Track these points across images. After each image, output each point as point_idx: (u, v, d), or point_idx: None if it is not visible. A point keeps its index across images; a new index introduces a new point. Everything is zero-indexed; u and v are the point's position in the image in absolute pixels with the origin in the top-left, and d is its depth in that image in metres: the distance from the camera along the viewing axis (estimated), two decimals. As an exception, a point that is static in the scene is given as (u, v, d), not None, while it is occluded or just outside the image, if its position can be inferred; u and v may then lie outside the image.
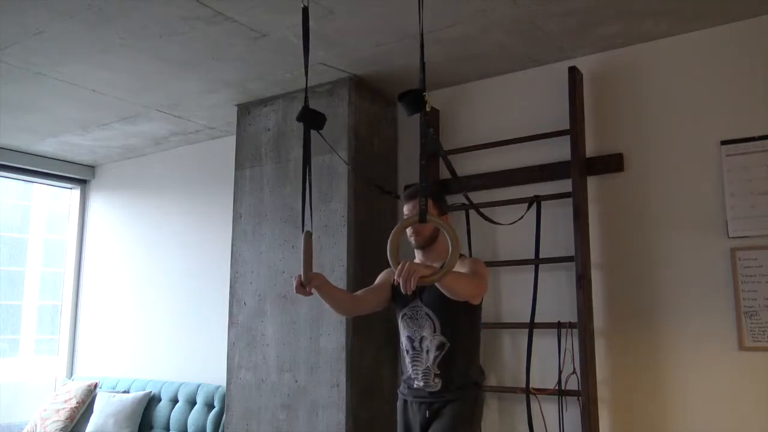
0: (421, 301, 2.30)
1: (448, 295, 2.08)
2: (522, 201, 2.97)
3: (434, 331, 2.27)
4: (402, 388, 2.39)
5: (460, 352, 2.26)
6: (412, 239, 2.32)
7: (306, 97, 2.12)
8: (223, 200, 4.00)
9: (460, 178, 2.81)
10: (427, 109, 1.86)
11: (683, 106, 2.76)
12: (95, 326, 4.91)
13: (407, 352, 2.34)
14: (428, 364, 2.27)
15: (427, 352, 2.27)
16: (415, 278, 1.79)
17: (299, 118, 2.10)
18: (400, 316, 2.38)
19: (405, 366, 2.36)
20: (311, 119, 2.10)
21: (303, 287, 2.09)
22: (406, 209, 2.32)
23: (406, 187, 2.36)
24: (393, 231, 1.88)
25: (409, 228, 2.24)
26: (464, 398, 2.24)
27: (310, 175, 2.11)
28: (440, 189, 2.35)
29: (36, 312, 5.27)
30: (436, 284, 1.97)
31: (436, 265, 2.21)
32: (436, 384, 2.25)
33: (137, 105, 3.70)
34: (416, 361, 2.30)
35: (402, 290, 1.81)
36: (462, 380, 2.26)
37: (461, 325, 2.28)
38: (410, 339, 2.32)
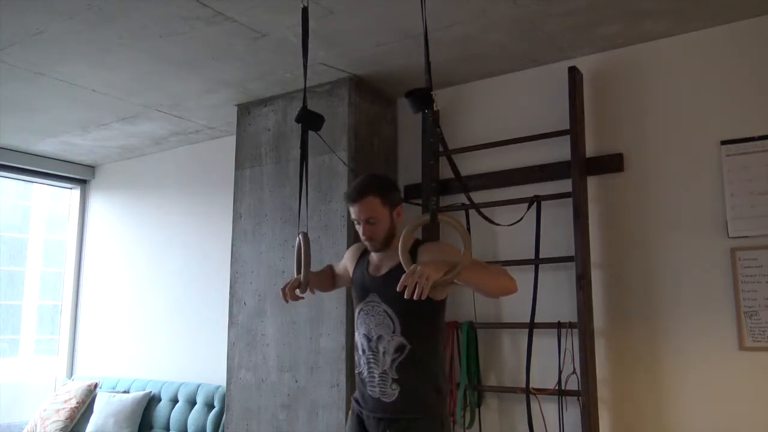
0: (380, 297, 2.03)
1: (484, 294, 1.96)
2: (522, 201, 2.96)
3: (393, 332, 1.99)
4: (356, 395, 2.12)
5: (421, 356, 1.99)
6: (367, 244, 2.06)
7: (305, 98, 2.12)
8: (223, 200, 3.99)
9: (462, 179, 2.82)
10: (435, 108, 1.87)
11: (683, 106, 2.76)
12: (95, 326, 4.91)
13: (363, 351, 2.06)
14: (385, 368, 1.99)
15: (384, 353, 2.00)
16: (427, 287, 1.62)
17: (298, 119, 2.10)
18: (357, 311, 2.12)
19: (360, 367, 2.08)
20: (309, 120, 2.10)
21: (294, 291, 2.05)
22: (353, 212, 2.02)
23: (354, 189, 2.05)
24: (404, 233, 1.81)
25: (362, 233, 2.02)
26: (430, 416, 1.98)
27: (307, 175, 2.11)
28: (386, 180, 2.09)
29: (36, 312, 5.26)
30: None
31: (395, 257, 1.92)
32: (394, 392, 1.97)
33: (137, 105, 3.70)
34: (372, 363, 2.03)
35: (406, 296, 1.63)
36: (424, 390, 1.98)
37: (424, 325, 2.02)
38: (367, 338, 2.05)
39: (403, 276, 1.64)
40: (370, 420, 2.03)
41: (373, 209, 1.98)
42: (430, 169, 1.84)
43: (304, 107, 2.09)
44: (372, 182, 2.04)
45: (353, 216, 2.04)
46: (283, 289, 2.07)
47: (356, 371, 2.11)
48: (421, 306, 1.87)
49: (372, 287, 2.06)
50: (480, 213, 2.40)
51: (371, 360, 2.03)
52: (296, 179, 3.33)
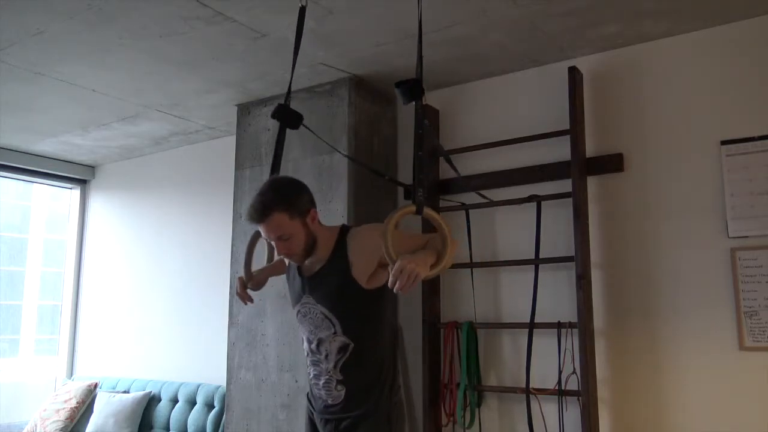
0: (313, 298, 1.91)
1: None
2: (522, 201, 2.97)
3: (334, 333, 1.87)
4: (308, 395, 2.06)
5: (367, 353, 1.89)
6: (287, 259, 1.94)
7: (288, 96, 2.11)
8: (223, 200, 3.99)
9: (457, 179, 2.81)
10: (424, 101, 1.78)
11: (683, 106, 2.76)
12: (95, 326, 4.91)
13: (306, 354, 1.98)
14: (329, 370, 1.89)
15: (327, 356, 1.89)
16: (415, 283, 1.57)
17: (274, 115, 2.04)
18: (295, 312, 2.01)
19: (307, 368, 2.00)
20: (287, 118, 2.04)
21: (244, 291, 2.06)
22: (261, 232, 1.87)
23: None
24: (386, 222, 1.61)
25: (278, 252, 1.86)
26: (379, 412, 1.88)
27: (278, 173, 2.07)
28: (289, 188, 1.90)
29: (36, 312, 5.26)
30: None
31: (325, 252, 1.88)
32: (339, 393, 1.89)
33: (137, 105, 3.70)
34: (316, 365, 1.93)
35: (395, 290, 1.57)
36: (371, 387, 1.89)
37: (367, 320, 1.89)
38: (308, 341, 1.95)
39: (391, 275, 1.56)
40: (319, 421, 1.98)
41: (281, 226, 1.80)
42: (420, 161, 1.76)
43: (283, 105, 2.04)
44: (273, 196, 1.82)
45: (263, 236, 1.86)
46: (238, 294, 2.08)
47: (307, 375, 2.03)
48: (357, 301, 1.85)
49: (305, 288, 1.94)
50: (478, 193, 2.33)
51: (315, 363, 1.94)
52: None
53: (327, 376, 1.90)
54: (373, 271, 1.86)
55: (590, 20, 2.66)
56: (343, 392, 1.88)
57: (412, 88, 1.77)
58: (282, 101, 2.11)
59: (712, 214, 2.64)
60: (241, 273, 2.14)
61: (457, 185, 3.13)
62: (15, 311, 5.18)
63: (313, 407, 2.00)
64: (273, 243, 1.85)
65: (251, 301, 2.11)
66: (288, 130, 2.15)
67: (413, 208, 1.65)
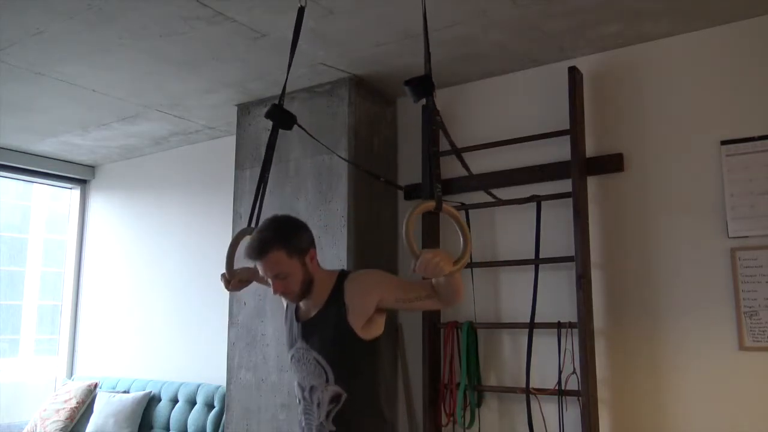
0: (308, 344, 1.86)
1: (446, 301, 1.76)
2: (522, 201, 2.97)
3: (327, 381, 1.82)
4: None
5: (360, 404, 1.83)
6: (283, 298, 1.91)
7: (281, 97, 2.10)
8: (223, 200, 3.99)
9: (458, 179, 2.82)
10: (434, 94, 1.75)
11: (683, 106, 2.76)
12: (95, 326, 4.91)
13: (298, 401, 1.93)
14: (321, 420, 1.83)
15: (319, 405, 1.84)
16: (442, 273, 1.58)
17: (267, 115, 2.04)
18: (289, 356, 1.97)
19: (299, 414, 1.95)
20: (281, 118, 2.04)
21: (228, 284, 2.09)
22: (259, 269, 1.84)
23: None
24: (407, 217, 1.59)
25: (274, 291, 1.84)
26: None
27: (268, 173, 2.08)
28: (290, 226, 1.89)
29: (36, 312, 5.26)
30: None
31: (322, 297, 1.87)
32: None
33: (137, 105, 3.70)
34: (307, 414, 1.88)
35: (423, 277, 1.58)
36: None
37: (362, 370, 1.85)
38: (300, 387, 1.91)
39: (417, 265, 1.56)
40: None
41: (279, 264, 1.79)
42: (431, 160, 1.76)
43: (276, 105, 2.03)
44: (273, 235, 1.81)
45: (261, 273, 1.84)
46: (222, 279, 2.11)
47: (298, 419, 1.97)
48: (352, 350, 1.82)
49: (301, 333, 1.90)
50: (488, 192, 2.32)
51: (307, 411, 1.89)
52: (296, 179, 3.34)
53: (319, 427, 1.85)
54: (370, 316, 1.83)
55: (590, 20, 2.66)
56: None
57: (423, 84, 1.75)
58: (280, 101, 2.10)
59: (712, 214, 2.64)
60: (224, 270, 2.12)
61: (458, 185, 3.13)
62: (15, 311, 5.18)
63: None
64: (270, 281, 1.83)
65: (237, 286, 2.12)
66: (289, 131, 2.15)
67: (432, 204, 1.63)
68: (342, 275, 1.90)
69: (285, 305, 2.04)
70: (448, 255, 1.61)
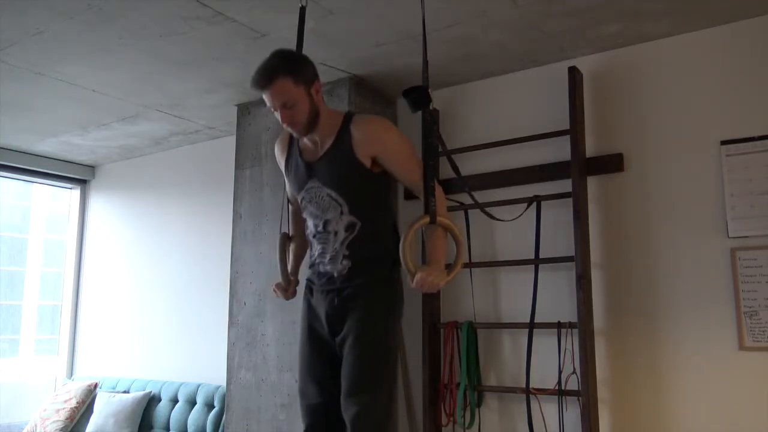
0: (320, 181, 1.91)
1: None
2: (522, 201, 2.97)
3: (341, 213, 1.89)
4: (309, 274, 2.03)
5: (373, 230, 1.91)
6: (290, 130, 1.90)
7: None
8: (223, 200, 3.99)
9: (463, 177, 2.81)
10: (432, 106, 1.83)
11: (683, 106, 2.76)
12: (95, 326, 4.91)
13: (313, 235, 1.97)
14: (336, 246, 1.90)
15: (336, 233, 1.90)
16: (435, 288, 1.73)
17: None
18: (299, 200, 2.00)
19: (311, 250, 2.00)
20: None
21: (284, 293, 2.08)
22: (266, 100, 1.84)
23: None
24: (404, 236, 1.73)
25: (281, 120, 1.85)
26: (380, 281, 1.88)
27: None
28: (296, 56, 1.91)
29: (36, 312, 5.27)
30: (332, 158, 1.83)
31: (330, 137, 1.89)
32: (344, 266, 1.89)
33: (137, 105, 3.70)
34: (323, 243, 1.93)
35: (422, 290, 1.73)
36: (375, 260, 1.90)
37: (373, 200, 1.93)
38: (315, 225, 1.96)
39: (414, 283, 1.70)
40: (320, 296, 1.95)
41: (286, 92, 1.79)
42: (431, 170, 1.81)
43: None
44: (279, 62, 1.82)
45: (267, 104, 1.85)
46: (281, 297, 2.12)
47: (310, 255, 2.02)
48: (363, 181, 1.89)
49: (311, 173, 1.93)
50: (483, 210, 2.37)
51: (323, 240, 1.93)
52: (296, 179, 3.34)
53: (333, 253, 1.91)
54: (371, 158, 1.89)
55: (590, 20, 2.66)
56: (348, 265, 1.89)
57: (420, 96, 1.79)
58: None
59: (712, 214, 2.64)
60: (279, 280, 2.14)
61: (458, 185, 3.13)
62: (15, 311, 5.18)
63: (313, 284, 1.99)
64: (277, 112, 1.84)
65: (294, 295, 2.12)
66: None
67: (427, 219, 1.74)
68: (349, 114, 1.95)
69: (285, 158, 2.05)
70: (440, 270, 1.75)
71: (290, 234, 2.14)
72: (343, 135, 1.88)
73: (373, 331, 1.85)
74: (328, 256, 1.92)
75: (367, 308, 1.85)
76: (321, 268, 1.95)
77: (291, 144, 2.03)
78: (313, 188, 1.93)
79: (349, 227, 1.89)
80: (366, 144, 1.87)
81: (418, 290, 1.74)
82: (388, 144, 1.89)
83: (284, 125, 1.87)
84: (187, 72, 3.20)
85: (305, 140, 1.96)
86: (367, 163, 1.88)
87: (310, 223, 1.99)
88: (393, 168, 1.90)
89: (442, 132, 3.32)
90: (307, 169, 1.95)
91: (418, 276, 1.70)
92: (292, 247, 2.16)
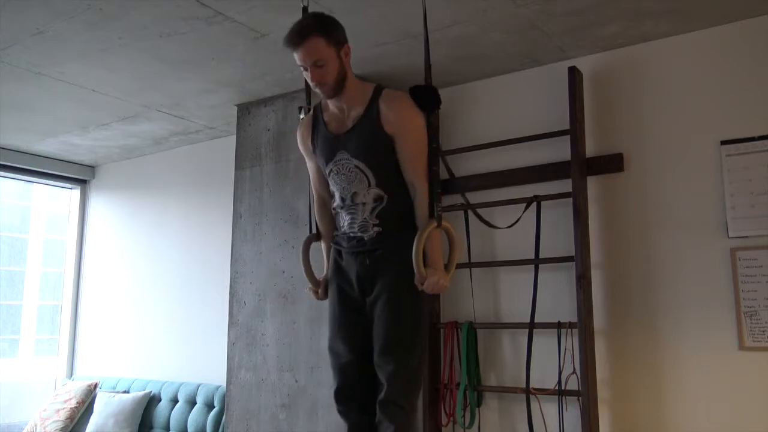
0: (348, 153, 1.93)
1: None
2: (522, 201, 2.97)
3: (369, 185, 1.92)
4: (336, 239, 2.05)
5: (400, 203, 1.94)
6: (317, 90, 1.91)
7: (307, 95, 2.11)
8: (223, 200, 4.00)
9: (458, 180, 2.82)
10: (440, 107, 1.89)
11: (683, 106, 2.76)
12: (95, 326, 4.91)
13: (341, 207, 1.99)
14: (365, 216, 1.93)
15: (364, 204, 1.93)
16: (442, 290, 1.85)
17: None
18: (327, 173, 2.02)
19: (339, 221, 2.02)
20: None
21: (317, 293, 2.11)
22: (297, 58, 1.86)
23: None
24: (416, 241, 1.80)
25: (311, 79, 1.87)
26: (410, 244, 1.85)
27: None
28: (329, 18, 1.91)
29: (36, 312, 5.27)
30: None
31: (358, 109, 1.91)
32: (374, 230, 1.92)
33: (137, 105, 3.70)
34: (352, 213, 1.96)
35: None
36: (404, 228, 1.92)
37: (398, 173, 1.94)
38: (342, 198, 1.98)
39: (425, 286, 1.82)
40: (350, 258, 1.98)
41: (318, 51, 1.82)
42: (436, 176, 1.85)
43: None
44: (313, 22, 1.86)
45: (298, 62, 1.86)
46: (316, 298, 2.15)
47: (336, 225, 2.04)
48: (391, 155, 1.91)
49: (339, 145, 1.95)
50: (477, 215, 2.38)
51: (351, 211, 1.96)
52: (296, 179, 3.34)
53: (362, 222, 1.94)
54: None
55: (590, 20, 2.66)
56: (378, 230, 1.92)
57: (429, 97, 1.86)
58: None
59: (712, 214, 2.64)
60: (309, 284, 2.15)
61: (457, 185, 3.13)
62: (15, 311, 5.18)
63: (342, 246, 2.01)
64: (307, 72, 1.86)
65: (325, 295, 2.12)
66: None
67: (435, 223, 1.83)
68: (379, 87, 1.95)
69: (310, 138, 2.05)
70: (443, 272, 1.88)
71: (319, 233, 2.15)
72: (372, 107, 1.90)
73: (405, 293, 1.89)
74: (357, 225, 1.95)
75: (398, 271, 1.88)
76: (350, 233, 1.97)
77: (316, 122, 2.05)
78: (341, 160, 1.95)
79: (378, 199, 1.92)
80: (392, 121, 1.88)
81: (428, 292, 1.84)
82: (410, 131, 1.90)
83: (313, 84, 1.88)
84: (187, 72, 3.20)
85: (332, 109, 1.97)
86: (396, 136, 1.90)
87: (336, 195, 2.01)
88: (402, 156, 1.91)
89: (443, 132, 3.33)
90: (335, 141, 1.96)
91: (430, 280, 1.81)
92: (322, 246, 2.17)
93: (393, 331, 1.87)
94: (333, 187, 2.02)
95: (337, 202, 2.01)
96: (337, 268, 2.03)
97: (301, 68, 1.87)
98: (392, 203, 1.92)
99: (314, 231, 2.14)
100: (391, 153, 1.91)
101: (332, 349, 2.02)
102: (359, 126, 1.91)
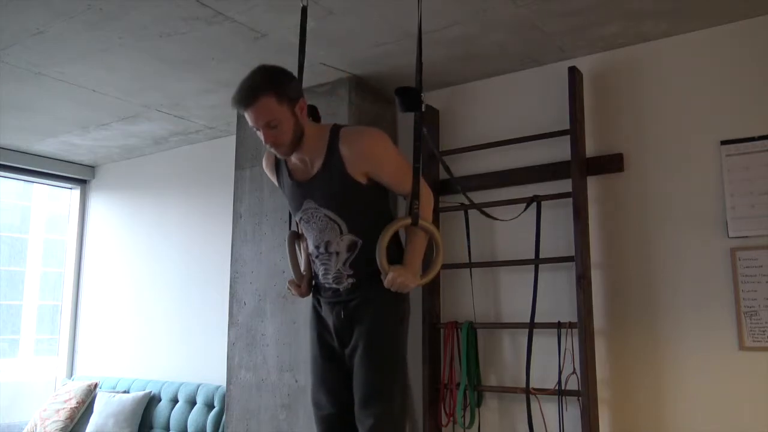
0: (315, 202, 1.86)
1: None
2: (522, 201, 2.97)
3: (341, 233, 1.85)
4: (316, 285, 2.01)
5: (374, 246, 1.83)
6: (273, 151, 1.84)
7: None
8: (223, 200, 4.00)
9: (457, 179, 2.82)
10: (422, 109, 1.82)
11: (683, 106, 2.76)
12: (95, 326, 4.91)
13: (315, 257, 1.94)
14: (338, 267, 1.87)
15: (337, 254, 1.87)
16: (406, 290, 1.80)
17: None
18: (297, 219, 1.97)
19: (314, 268, 1.97)
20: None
21: (298, 289, 2.05)
22: (248, 119, 1.77)
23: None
24: (383, 234, 1.76)
25: (264, 141, 1.77)
26: (385, 290, 1.81)
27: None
28: (279, 72, 1.78)
29: (36, 312, 5.27)
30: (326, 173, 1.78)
31: (319, 157, 1.82)
32: (348, 281, 1.87)
33: (137, 105, 3.70)
34: (325, 263, 1.90)
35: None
36: (379, 273, 1.83)
37: (371, 213, 1.87)
38: (316, 246, 1.92)
39: (386, 282, 1.77)
40: (327, 308, 1.94)
41: (270, 111, 1.71)
42: (417, 172, 1.82)
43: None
44: (262, 80, 1.73)
45: (250, 123, 1.76)
46: (295, 294, 2.09)
47: (313, 271, 1.99)
48: (359, 198, 1.84)
49: (306, 193, 1.88)
50: (481, 211, 2.37)
51: (324, 261, 1.90)
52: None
53: (336, 273, 1.89)
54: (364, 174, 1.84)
55: (590, 20, 2.66)
56: (352, 281, 1.87)
57: (411, 98, 1.79)
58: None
59: (712, 214, 2.64)
60: (291, 277, 2.10)
61: (456, 186, 3.13)
62: (15, 311, 5.18)
63: (320, 294, 1.97)
64: (260, 132, 1.76)
65: (308, 292, 2.07)
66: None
67: (409, 220, 1.78)
68: (335, 128, 1.85)
69: (275, 177, 1.99)
70: (413, 272, 1.81)
71: (299, 232, 2.12)
72: (333, 153, 1.81)
73: (382, 341, 1.84)
74: (331, 276, 1.90)
75: (374, 319, 1.84)
76: (325, 284, 1.93)
77: (278, 163, 1.97)
78: (309, 209, 1.89)
79: (351, 247, 1.86)
80: (357, 162, 1.80)
81: (389, 288, 1.78)
82: (379, 159, 1.83)
83: (267, 146, 1.80)
84: (187, 72, 3.20)
85: (293, 159, 1.90)
86: (362, 179, 1.83)
87: (310, 243, 1.95)
88: (385, 181, 1.86)
89: (443, 132, 3.33)
90: (301, 189, 1.90)
91: (389, 276, 1.75)
92: (303, 246, 2.13)
93: (370, 383, 1.82)
94: (305, 234, 1.97)
95: (311, 248, 1.95)
96: (317, 316, 2.00)
97: (253, 128, 1.78)
98: (367, 247, 1.84)
99: (295, 229, 2.10)
100: (361, 195, 1.84)
101: (314, 401, 1.99)
102: (322, 175, 1.83)
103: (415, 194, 1.77)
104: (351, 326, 1.87)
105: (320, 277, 1.94)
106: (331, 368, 1.95)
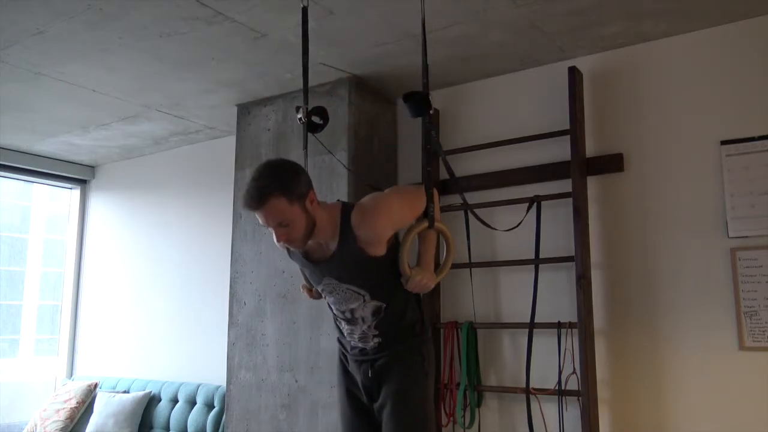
0: (336, 279, 1.90)
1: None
2: (522, 201, 2.97)
3: (364, 301, 1.90)
4: (341, 340, 2.07)
5: (399, 307, 1.93)
6: (286, 247, 1.88)
7: (306, 98, 2.12)
8: (223, 200, 4.00)
9: (459, 180, 2.82)
10: (431, 112, 1.87)
11: (683, 106, 2.76)
12: (95, 326, 4.91)
13: (340, 321, 2.00)
14: (364, 329, 1.93)
15: (363, 319, 1.93)
16: (426, 289, 1.90)
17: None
18: (319, 288, 2.00)
19: (340, 326, 2.03)
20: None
21: (311, 291, 2.09)
22: (259, 219, 1.78)
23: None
24: (403, 239, 1.86)
25: (277, 240, 1.79)
26: (411, 348, 1.91)
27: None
28: (286, 170, 1.78)
29: (36, 312, 5.27)
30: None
31: (334, 239, 1.85)
32: (375, 341, 1.93)
33: (137, 105, 3.70)
34: (352, 326, 1.96)
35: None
36: (404, 330, 1.94)
37: (390, 281, 1.90)
38: (341, 311, 1.96)
39: (407, 284, 1.87)
40: (354, 365, 2.01)
41: (281, 212, 1.72)
42: (429, 176, 1.85)
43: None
44: (270, 180, 1.72)
45: (261, 222, 1.77)
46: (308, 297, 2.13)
47: (336, 325, 2.04)
48: (380, 270, 1.88)
49: (325, 272, 1.91)
50: (477, 217, 2.37)
51: (351, 323, 1.96)
52: (296, 179, 3.34)
53: (361, 334, 1.95)
54: (386, 240, 1.87)
55: (590, 20, 2.66)
56: (378, 341, 1.94)
57: (420, 103, 1.83)
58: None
59: (712, 214, 2.64)
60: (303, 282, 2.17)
61: (457, 187, 3.13)
62: (15, 311, 5.18)
63: (346, 350, 2.04)
64: (272, 230, 1.77)
65: (320, 296, 2.08)
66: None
67: (425, 224, 1.85)
68: (345, 209, 1.86)
69: (287, 250, 1.99)
70: (431, 272, 1.92)
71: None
72: (347, 235, 1.83)
73: (409, 398, 1.91)
74: (357, 336, 1.97)
75: (401, 376, 1.91)
76: (352, 342, 1.99)
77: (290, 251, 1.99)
78: (330, 284, 1.93)
79: (376, 311, 1.91)
80: (375, 241, 1.83)
81: (410, 291, 1.90)
82: (392, 226, 1.86)
83: (279, 245, 1.80)
84: (187, 72, 3.20)
85: (310, 243, 1.89)
86: (381, 251, 1.85)
87: (333, 308, 1.99)
88: (406, 221, 1.91)
89: (443, 132, 3.34)
90: (318, 269, 1.93)
91: (411, 279, 1.85)
92: None
93: None
94: (329, 303, 2.00)
95: (334, 311, 2.00)
96: (344, 371, 2.07)
97: (263, 226, 1.78)
98: (392, 309, 1.92)
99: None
100: (379, 267, 1.87)
101: None
102: (340, 255, 1.85)
103: (429, 197, 1.83)
104: (380, 383, 1.94)
105: (345, 335, 2.01)
106: (361, 422, 2.01)
